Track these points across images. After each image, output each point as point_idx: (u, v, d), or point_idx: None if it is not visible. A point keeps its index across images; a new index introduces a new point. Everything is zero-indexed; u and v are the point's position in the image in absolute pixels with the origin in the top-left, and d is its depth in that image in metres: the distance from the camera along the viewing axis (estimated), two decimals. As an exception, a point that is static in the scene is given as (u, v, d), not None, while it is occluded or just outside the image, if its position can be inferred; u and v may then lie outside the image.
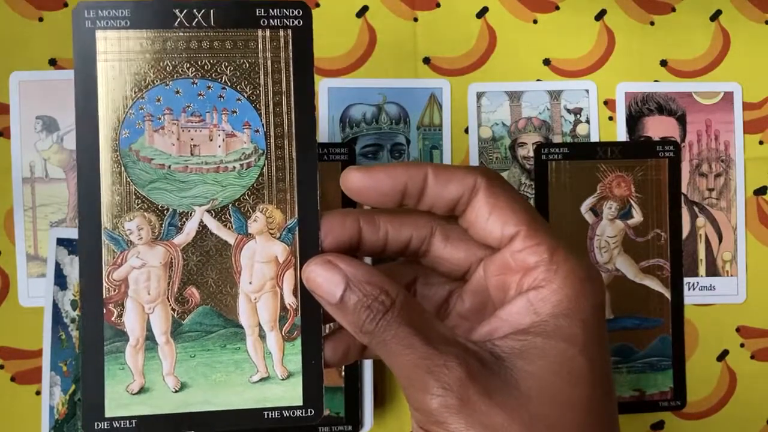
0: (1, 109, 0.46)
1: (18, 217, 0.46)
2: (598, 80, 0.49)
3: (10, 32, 0.46)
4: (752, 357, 0.50)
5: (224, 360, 0.29)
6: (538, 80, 0.49)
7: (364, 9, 0.48)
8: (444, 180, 0.28)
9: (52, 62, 0.46)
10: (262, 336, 0.30)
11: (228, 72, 0.29)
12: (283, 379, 0.30)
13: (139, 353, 0.29)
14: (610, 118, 0.49)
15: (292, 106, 0.29)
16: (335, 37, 0.48)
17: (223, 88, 0.29)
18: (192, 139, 0.29)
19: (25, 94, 0.46)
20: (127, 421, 0.29)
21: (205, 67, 0.29)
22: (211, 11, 0.29)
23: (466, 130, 0.49)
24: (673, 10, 0.50)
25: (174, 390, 0.29)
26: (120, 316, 0.29)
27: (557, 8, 0.49)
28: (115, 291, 0.29)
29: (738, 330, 0.50)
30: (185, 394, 0.29)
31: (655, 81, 0.49)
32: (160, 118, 0.29)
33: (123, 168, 0.29)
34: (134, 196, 0.29)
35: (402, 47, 0.48)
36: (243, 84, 0.29)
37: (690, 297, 0.49)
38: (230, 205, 0.30)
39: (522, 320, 0.27)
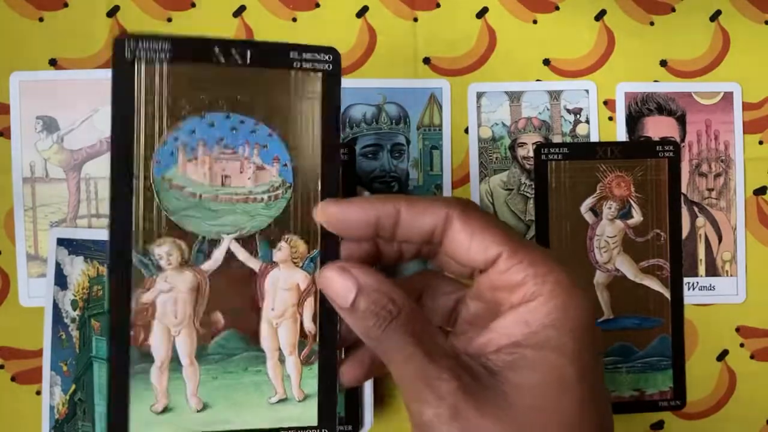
0: (1, 109, 0.46)
1: (18, 217, 0.46)
2: (598, 80, 0.49)
3: (10, 32, 0.46)
4: (752, 357, 0.50)
5: (245, 382, 0.31)
6: (538, 80, 0.49)
7: (364, 9, 0.48)
8: (417, 213, 0.29)
9: (53, 62, 0.46)
10: (281, 360, 0.31)
11: (261, 108, 0.31)
12: (300, 401, 0.31)
13: (163, 374, 0.30)
14: (610, 118, 0.49)
15: (319, 145, 0.31)
16: (335, 37, 0.48)
17: (256, 124, 0.31)
18: (223, 170, 0.30)
19: (26, 94, 0.46)
20: None
21: (240, 102, 0.30)
22: (248, 50, 0.30)
23: (466, 130, 0.49)
24: (673, 10, 0.50)
25: (197, 410, 0.30)
26: (146, 338, 0.30)
27: (557, 8, 0.49)
28: (143, 314, 0.30)
29: (738, 330, 0.50)
30: (207, 414, 0.30)
31: (655, 81, 0.50)
32: (193, 149, 0.30)
33: (155, 195, 0.30)
34: (165, 223, 0.30)
35: (402, 47, 0.48)
36: (275, 121, 0.31)
37: (690, 297, 0.49)
38: (257, 235, 0.31)
39: (514, 333, 0.28)
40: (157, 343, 0.30)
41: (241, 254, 0.31)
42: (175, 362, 0.30)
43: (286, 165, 0.31)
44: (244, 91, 0.31)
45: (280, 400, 0.31)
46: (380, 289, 0.28)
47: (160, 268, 0.30)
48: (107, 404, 0.30)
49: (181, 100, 0.30)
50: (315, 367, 0.31)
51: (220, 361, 0.31)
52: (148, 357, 0.30)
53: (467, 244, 0.29)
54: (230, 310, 0.31)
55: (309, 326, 0.31)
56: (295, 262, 0.31)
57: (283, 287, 0.31)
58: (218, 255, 0.31)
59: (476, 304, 0.31)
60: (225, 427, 0.31)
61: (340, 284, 0.29)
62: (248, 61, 0.30)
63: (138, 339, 0.30)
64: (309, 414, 0.31)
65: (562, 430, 0.26)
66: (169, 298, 0.30)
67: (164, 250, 0.30)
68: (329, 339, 0.31)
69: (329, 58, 0.31)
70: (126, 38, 0.29)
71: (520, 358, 0.27)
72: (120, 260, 0.30)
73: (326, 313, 0.31)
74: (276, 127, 0.31)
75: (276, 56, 0.31)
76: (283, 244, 0.31)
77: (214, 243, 0.31)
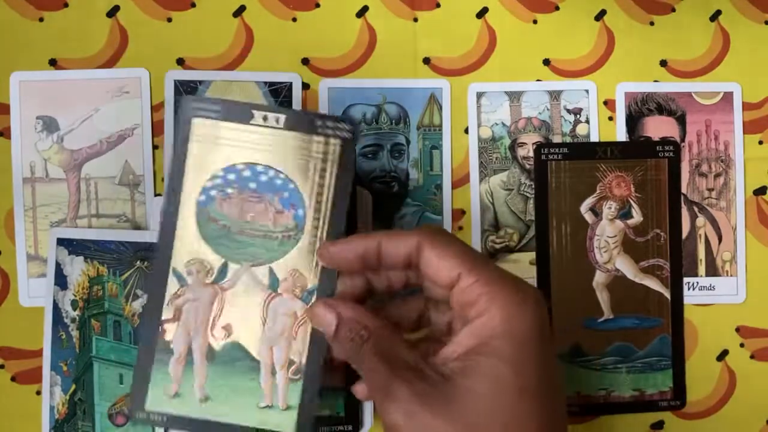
0: (1, 109, 0.46)
1: (18, 217, 0.46)
2: (597, 80, 0.49)
3: (10, 32, 0.46)
4: (752, 357, 0.50)
5: (242, 385, 0.37)
6: (537, 80, 0.49)
7: (364, 9, 0.48)
8: (394, 243, 0.34)
9: (53, 62, 0.46)
10: (273, 373, 0.37)
11: (286, 163, 0.37)
12: (283, 410, 0.37)
13: (179, 366, 0.37)
14: (610, 118, 0.49)
15: (330, 199, 0.37)
16: (335, 37, 0.48)
17: (280, 175, 0.37)
18: (250, 210, 0.37)
19: (26, 95, 0.46)
20: (161, 416, 0.37)
21: (270, 157, 0.37)
22: (282, 116, 0.37)
23: (466, 130, 0.49)
24: (673, 10, 0.50)
25: (200, 399, 0.37)
26: (171, 335, 0.37)
27: (557, 8, 0.49)
28: (171, 316, 0.37)
29: (738, 330, 0.50)
30: (208, 405, 0.37)
31: (655, 81, 0.50)
32: (229, 191, 0.37)
33: (196, 223, 0.37)
34: (200, 246, 0.37)
35: (402, 47, 0.48)
36: (296, 175, 0.37)
37: (690, 297, 0.49)
38: (269, 266, 0.37)
39: (468, 344, 0.32)
40: (178, 341, 0.37)
41: (254, 280, 0.37)
42: (189, 358, 0.37)
43: (300, 212, 0.37)
44: (275, 148, 0.37)
45: (267, 406, 0.37)
46: (355, 318, 0.34)
47: (188, 281, 0.37)
48: (132, 383, 0.37)
49: (225, 151, 0.37)
50: (300, 383, 0.37)
51: (225, 364, 0.37)
52: (169, 350, 0.37)
53: (435, 265, 0.34)
54: (238, 324, 0.37)
55: (299, 348, 0.37)
56: (295, 294, 0.37)
57: (282, 313, 0.37)
58: (235, 277, 0.37)
59: (457, 321, 0.35)
60: (219, 418, 0.37)
61: (326, 317, 0.35)
62: (281, 124, 0.37)
63: (165, 335, 0.37)
64: (288, 422, 0.36)
65: (502, 429, 0.30)
66: (192, 306, 0.37)
67: (194, 268, 0.37)
68: (314, 362, 0.36)
69: (349, 128, 0.37)
70: (189, 98, 0.37)
71: (470, 366, 0.32)
72: (160, 271, 0.37)
73: (314, 339, 0.36)
74: (296, 180, 0.37)
75: (304, 123, 0.37)
76: (288, 276, 0.37)
77: (234, 267, 0.37)
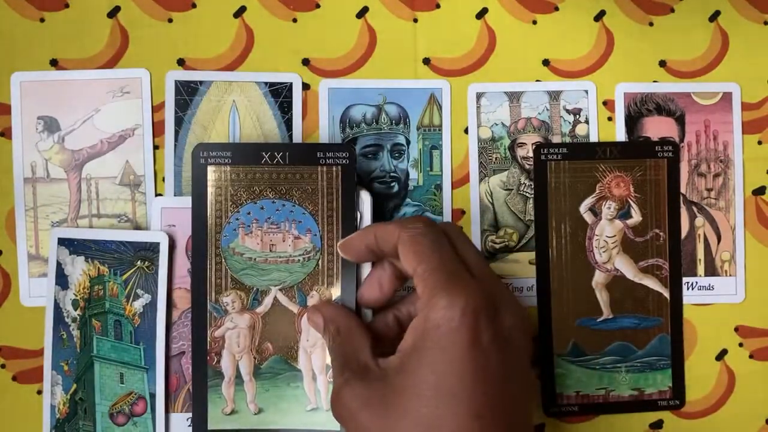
0: (2, 109, 0.46)
1: (19, 217, 0.46)
2: (597, 81, 0.49)
3: (11, 32, 0.47)
4: (751, 356, 0.50)
5: (288, 394, 0.42)
6: (537, 81, 0.49)
7: (365, 10, 0.48)
8: (384, 234, 0.37)
9: (54, 63, 0.47)
10: (313, 378, 0.42)
11: (297, 194, 0.42)
12: (327, 410, 0.41)
13: (230, 387, 0.42)
14: (609, 119, 0.49)
15: (340, 218, 0.41)
16: (335, 37, 0.48)
17: (294, 206, 0.42)
18: (271, 240, 0.42)
19: (27, 95, 0.46)
20: None
21: (281, 191, 0.41)
22: (287, 153, 0.41)
23: (466, 131, 0.49)
24: (672, 10, 0.50)
25: (254, 413, 0.42)
26: (218, 361, 0.42)
27: (556, 9, 0.49)
28: (215, 344, 0.42)
29: (737, 329, 0.50)
30: (261, 416, 0.41)
31: (654, 81, 0.50)
32: (249, 226, 0.41)
33: (223, 260, 0.42)
34: (230, 279, 0.42)
35: (402, 48, 0.49)
36: (307, 203, 0.42)
37: (689, 297, 0.49)
38: (295, 286, 0.42)
39: (407, 341, 0.34)
40: (226, 365, 0.42)
41: (284, 301, 0.42)
42: (238, 378, 0.42)
43: (316, 235, 0.41)
44: (285, 182, 0.41)
45: (313, 409, 0.41)
46: (335, 320, 0.39)
47: (226, 312, 0.42)
48: (193, 408, 0.42)
49: (240, 191, 0.41)
50: None
51: (270, 378, 0.41)
52: (219, 374, 0.42)
53: (404, 259, 0.35)
54: (277, 341, 0.42)
55: None
56: None
57: None
58: (268, 301, 0.42)
59: None
60: (275, 426, 0.41)
61: (315, 319, 0.39)
62: (287, 161, 0.41)
63: (212, 362, 0.42)
64: (333, 420, 0.38)
65: (416, 429, 0.32)
66: (233, 333, 0.42)
67: (230, 299, 0.42)
68: None
69: (346, 155, 0.41)
70: (201, 147, 0.41)
71: (400, 363, 0.34)
72: (199, 307, 0.42)
73: None
74: (308, 208, 0.41)
75: (307, 156, 0.41)
76: (314, 292, 0.41)
77: (265, 293, 0.42)
